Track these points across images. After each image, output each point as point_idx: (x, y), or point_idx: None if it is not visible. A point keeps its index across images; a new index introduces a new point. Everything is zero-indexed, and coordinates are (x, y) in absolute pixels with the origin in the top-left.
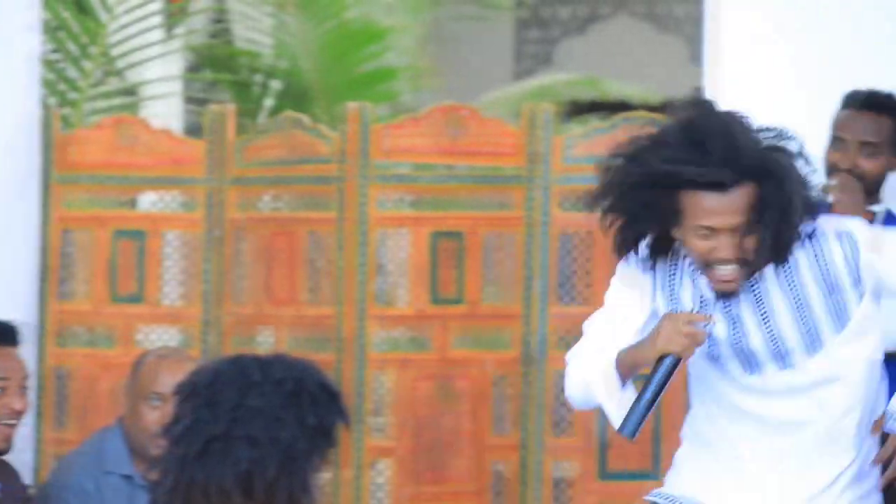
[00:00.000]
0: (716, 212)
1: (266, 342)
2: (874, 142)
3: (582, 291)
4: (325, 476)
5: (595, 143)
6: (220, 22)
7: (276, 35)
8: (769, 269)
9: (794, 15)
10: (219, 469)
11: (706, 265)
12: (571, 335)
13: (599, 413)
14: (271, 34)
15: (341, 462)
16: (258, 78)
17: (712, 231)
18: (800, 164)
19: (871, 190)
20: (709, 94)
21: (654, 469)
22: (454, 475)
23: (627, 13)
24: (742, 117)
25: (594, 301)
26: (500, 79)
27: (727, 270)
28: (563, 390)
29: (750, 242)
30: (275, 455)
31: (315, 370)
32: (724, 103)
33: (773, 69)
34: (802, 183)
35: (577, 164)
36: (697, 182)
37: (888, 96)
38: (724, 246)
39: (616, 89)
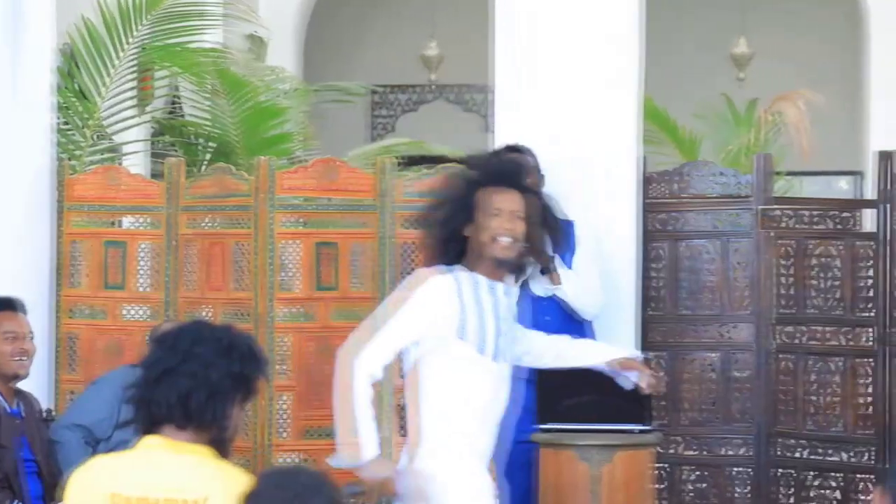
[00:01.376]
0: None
1: (206, 315)
2: None
3: None
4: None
5: (424, 183)
6: (175, 102)
7: (211, 111)
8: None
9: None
10: (167, 391)
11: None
12: None
13: None
14: (209, 111)
15: (259, 396)
16: (200, 140)
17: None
18: None
19: None
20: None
21: None
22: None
23: (444, 98)
24: None
25: None
26: (360, 142)
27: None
28: None
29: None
30: (205, 388)
31: (246, 337)
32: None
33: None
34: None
35: (412, 197)
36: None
37: None
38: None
39: (437, 149)
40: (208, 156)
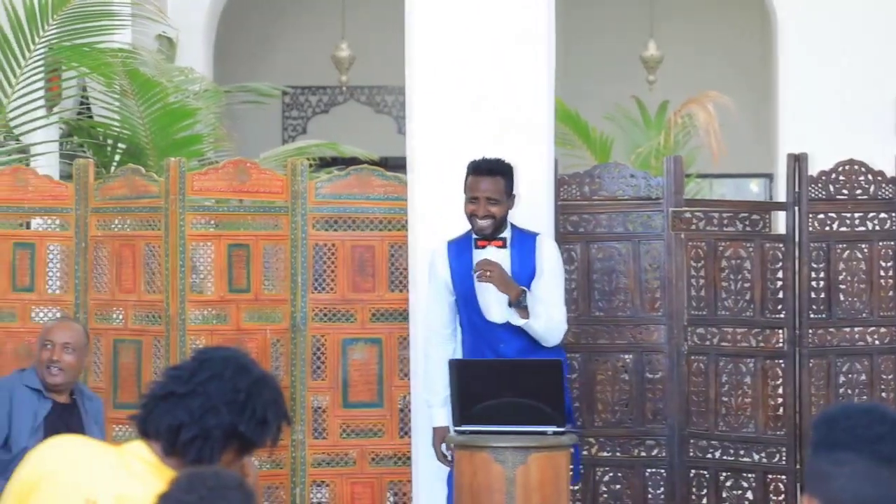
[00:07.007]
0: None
1: (118, 318)
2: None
3: (328, 284)
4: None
5: (336, 185)
6: (83, 103)
7: (121, 112)
8: None
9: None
10: (162, 414)
11: None
12: (322, 313)
13: (342, 362)
14: (118, 112)
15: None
16: (109, 141)
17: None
18: None
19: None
20: (409, 153)
21: (378, 401)
22: None
23: (355, 100)
24: None
25: (337, 290)
26: (272, 143)
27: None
28: (319, 348)
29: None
30: (197, 428)
31: (272, 397)
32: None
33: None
34: None
35: (325, 199)
36: None
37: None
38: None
39: (349, 150)
40: (118, 157)
